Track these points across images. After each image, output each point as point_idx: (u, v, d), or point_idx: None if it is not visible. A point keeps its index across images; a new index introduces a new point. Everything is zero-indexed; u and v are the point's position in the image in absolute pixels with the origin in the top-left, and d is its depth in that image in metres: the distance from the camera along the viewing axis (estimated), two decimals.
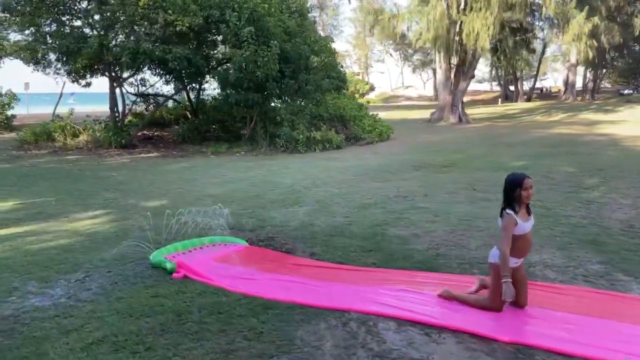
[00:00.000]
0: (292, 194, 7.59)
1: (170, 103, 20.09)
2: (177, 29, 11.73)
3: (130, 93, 18.56)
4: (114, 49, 12.37)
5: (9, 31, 21.80)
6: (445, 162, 10.64)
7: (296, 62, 13.54)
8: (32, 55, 16.13)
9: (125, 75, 16.77)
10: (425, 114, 30.06)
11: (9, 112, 19.27)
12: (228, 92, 14.16)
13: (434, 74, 66.48)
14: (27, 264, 4.51)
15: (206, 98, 19.08)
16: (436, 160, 10.90)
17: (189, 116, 19.43)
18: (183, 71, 13.30)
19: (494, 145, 14.20)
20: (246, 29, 11.89)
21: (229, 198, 7.46)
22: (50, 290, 3.85)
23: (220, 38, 14.11)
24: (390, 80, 78.33)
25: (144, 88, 19.84)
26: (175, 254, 4.51)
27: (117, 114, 15.16)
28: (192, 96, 18.85)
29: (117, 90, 16.01)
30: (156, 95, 19.77)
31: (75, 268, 4.36)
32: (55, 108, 23.55)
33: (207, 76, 15.55)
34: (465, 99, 28.56)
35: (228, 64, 14.48)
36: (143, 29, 11.76)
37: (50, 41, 13.39)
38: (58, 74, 16.27)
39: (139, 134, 16.39)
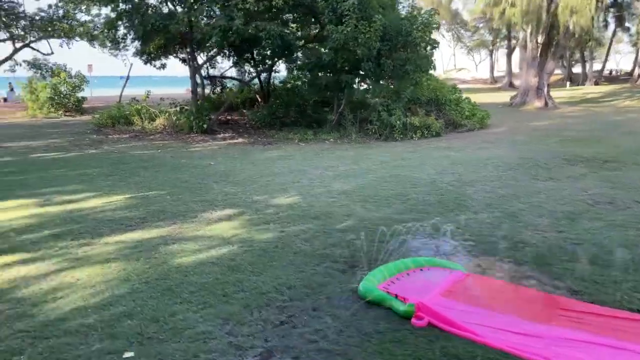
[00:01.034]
0: (445, 194, 6.35)
1: (229, 85, 19.27)
2: (273, 2, 10.58)
3: (212, 76, 17.85)
4: (204, 27, 11.34)
5: (77, 11, 21.63)
6: (597, 154, 9.05)
7: (394, 39, 12.13)
8: (108, 36, 15.58)
9: (204, 55, 15.98)
10: (493, 97, 27.89)
11: (79, 95, 18.95)
12: (317, 73, 12.99)
13: (490, 55, 63.15)
14: (194, 288, 3.52)
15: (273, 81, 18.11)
16: (585, 152, 9.29)
17: (259, 100, 18.52)
18: (270, 51, 12.14)
19: (629, 134, 12.34)
20: (349, 2, 10.58)
21: (369, 197, 6.31)
22: (254, 340, 2.82)
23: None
24: (442, 62, 75.11)
25: (213, 70, 19.14)
26: (386, 282, 3.40)
27: (198, 98, 14.31)
28: (259, 79, 17.94)
29: (183, 72, 15.23)
30: (232, 78, 18.94)
31: (262, 300, 3.32)
32: (122, 91, 23.32)
33: (289, 57, 14.32)
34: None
35: (315, 44, 13.28)
36: (235, 4, 10.64)
37: (131, 20, 12.55)
38: (125, 55, 15.61)
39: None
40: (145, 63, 16.78)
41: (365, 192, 6.59)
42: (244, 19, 10.77)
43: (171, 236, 4.83)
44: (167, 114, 15.10)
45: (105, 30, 14.20)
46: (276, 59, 14.37)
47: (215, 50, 16.66)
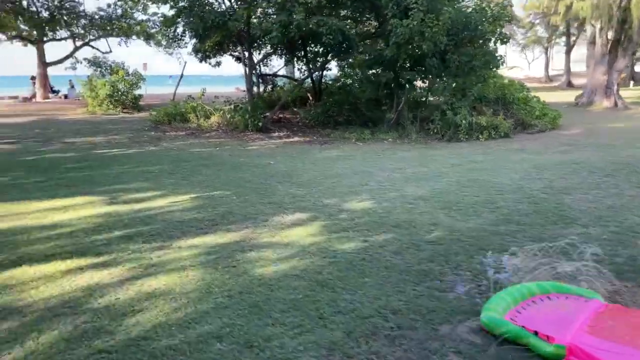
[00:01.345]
0: (539, 203, 5.66)
1: (279, 84, 19.05)
2: None
3: (264, 74, 17.72)
4: (262, 22, 11.05)
5: (134, 10, 22.14)
6: None
7: (460, 33, 11.40)
8: (167, 33, 15.70)
9: (257, 54, 15.81)
10: (553, 96, 26.18)
11: (136, 92, 19.32)
12: (375, 70, 12.46)
13: (545, 52, 60.05)
14: (284, 306, 3.11)
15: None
16: None
17: (310, 99, 18.20)
18: (328, 47, 11.71)
19: None
20: None
21: (451, 203, 5.73)
22: None
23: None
24: None
25: (264, 68, 19.00)
26: (512, 312, 2.85)
27: (253, 96, 14.12)
28: (312, 77, 17.60)
29: (236, 68, 15.09)
30: (285, 76, 18.77)
31: (366, 326, 2.85)
32: (176, 89, 23.68)
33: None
34: (579, 79, 24.27)
35: (373, 40, 12.73)
36: None
37: (190, 16, 12.47)
38: (180, 53, 15.68)
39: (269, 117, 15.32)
40: (201, 61, 16.84)
41: (445, 198, 6.01)
42: (304, 14, 10.39)
43: (246, 242, 4.47)
44: (221, 111, 15.04)
45: (164, 28, 14.24)
46: (331, 57, 13.91)
47: (269, 47, 16.52)
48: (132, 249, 4.31)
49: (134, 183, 7.12)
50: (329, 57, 13.57)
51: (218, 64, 16.62)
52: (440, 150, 10.31)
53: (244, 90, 29.65)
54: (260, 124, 13.25)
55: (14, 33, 20.33)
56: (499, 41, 11.99)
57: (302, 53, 17.50)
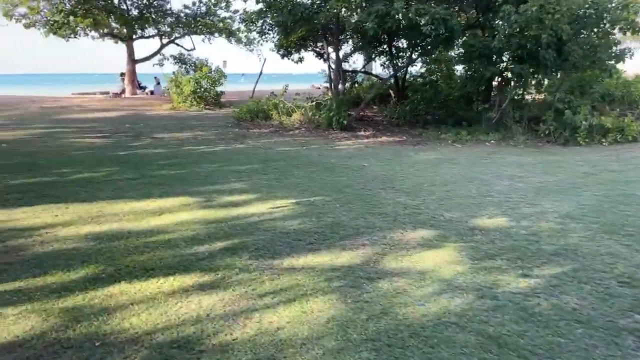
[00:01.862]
0: None
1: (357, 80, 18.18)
2: None
3: (346, 70, 17.02)
4: (354, 14, 10.25)
5: (217, 8, 22.35)
6: None
7: (580, 21, 9.84)
8: (254, 27, 15.44)
9: (340, 48, 15.07)
10: None
11: (219, 89, 19.43)
12: (474, 64, 11.22)
13: None
14: None
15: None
16: None
17: (392, 96, 17.18)
18: (428, 39, 10.63)
19: None
20: None
21: (615, 226, 4.56)
22: None
23: None
24: None
25: (344, 64, 18.26)
26: None
27: (338, 93, 13.41)
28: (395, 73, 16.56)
29: (320, 64, 14.42)
30: (368, 73, 17.98)
31: None
32: (255, 86, 23.71)
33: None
34: None
35: (474, 30, 11.47)
36: None
37: (280, 10, 11.96)
38: (260, 50, 15.30)
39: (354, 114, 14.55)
40: (283, 57, 16.45)
41: (602, 218, 4.84)
42: (403, 1, 9.45)
43: (369, 266, 3.69)
44: (303, 109, 14.52)
45: (249, 23, 13.94)
46: (422, 51, 12.84)
47: (353, 42, 15.77)
48: (239, 266, 3.69)
49: (226, 183, 6.63)
50: (427, 49, 12.43)
51: (300, 59, 16.12)
52: (560, 156, 8.91)
53: (319, 88, 29.21)
54: (345, 122, 12.50)
55: (106, 31, 21.33)
56: (628, 31, 10.24)
57: (387, 48, 16.63)
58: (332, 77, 13.73)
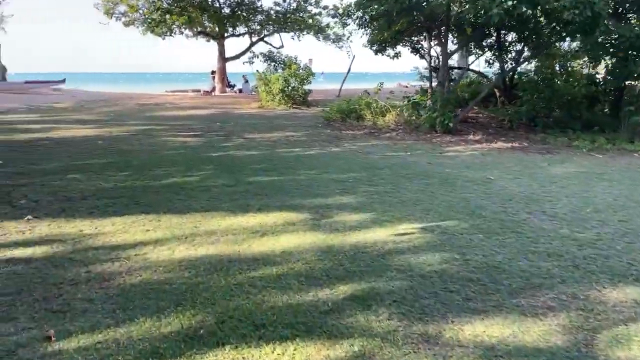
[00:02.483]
0: None
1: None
2: None
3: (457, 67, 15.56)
4: (478, 4, 8.77)
5: (307, 4, 21.73)
6: None
7: None
8: (344, 23, 14.51)
9: (434, 43, 13.61)
10: None
11: (306, 87, 18.77)
12: (618, 57, 9.23)
13: None
14: None
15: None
16: None
17: (497, 95, 15.29)
18: (570, 26, 8.82)
19: None
20: None
21: None
22: None
23: None
24: None
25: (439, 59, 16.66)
26: None
27: (444, 91, 11.99)
28: (502, 70, 14.67)
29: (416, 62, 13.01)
30: (472, 70, 16.31)
31: None
32: (342, 85, 22.83)
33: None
34: None
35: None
36: None
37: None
38: (349, 47, 14.25)
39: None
40: (377, 53, 15.33)
41: None
42: None
43: (582, 352, 2.44)
44: (398, 109, 13.28)
45: (347, 15, 12.97)
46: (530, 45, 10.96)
47: (453, 34, 14.19)
48: (379, 331, 2.63)
49: (331, 196, 5.65)
50: (541, 42, 10.61)
51: (397, 55, 14.88)
52: None
53: (406, 86, 27.60)
54: (450, 124, 11.06)
55: (199, 29, 21.64)
56: None
57: (493, 42, 14.84)
58: (435, 74, 12.30)
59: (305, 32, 22.43)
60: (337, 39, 22.48)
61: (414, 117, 12.92)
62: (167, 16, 18.27)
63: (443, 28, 11.57)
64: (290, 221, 4.65)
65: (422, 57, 16.64)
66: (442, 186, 6.28)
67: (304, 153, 8.77)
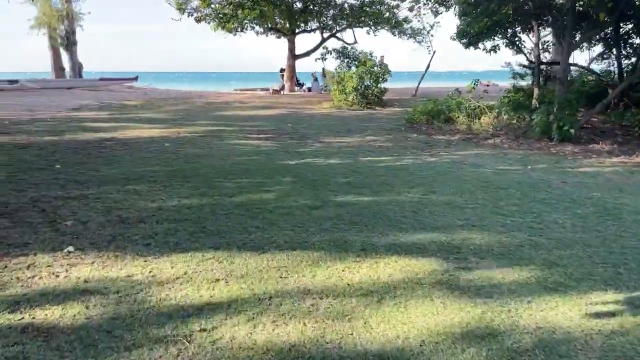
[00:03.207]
0: None
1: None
2: None
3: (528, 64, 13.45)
4: None
5: None
6: None
7: None
8: (437, 12, 12.84)
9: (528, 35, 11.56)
10: None
11: (382, 86, 17.24)
12: None
13: None
14: None
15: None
16: None
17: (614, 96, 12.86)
18: None
19: None
20: None
21: None
22: None
23: None
24: None
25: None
26: None
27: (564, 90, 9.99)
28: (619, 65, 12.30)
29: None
30: (585, 68, 14.04)
31: None
32: (419, 83, 21.06)
33: None
34: None
35: None
36: None
37: None
38: (429, 42, 12.52)
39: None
40: (467, 46, 13.52)
41: None
42: None
43: None
44: (495, 110, 11.42)
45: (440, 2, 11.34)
46: None
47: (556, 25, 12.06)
48: None
49: (454, 230, 4.17)
50: None
51: (494, 48, 12.99)
52: None
53: (487, 85, 25.10)
54: (571, 130, 9.07)
55: (269, 25, 20.79)
56: None
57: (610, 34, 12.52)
58: (561, 69, 10.31)
59: (380, 27, 20.85)
60: (415, 34, 20.71)
61: (514, 121, 11.04)
62: (239, 11, 17.51)
63: (565, 16, 9.57)
64: (414, 275, 3.24)
65: (518, 51, 14.59)
66: (605, 220, 4.58)
67: (394, 163, 7.31)
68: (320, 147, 8.83)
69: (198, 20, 18.66)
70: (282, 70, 22.67)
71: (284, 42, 21.93)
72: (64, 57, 22.47)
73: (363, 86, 16.78)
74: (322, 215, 4.53)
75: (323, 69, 24.10)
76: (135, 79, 23.28)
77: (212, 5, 18.11)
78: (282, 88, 21.13)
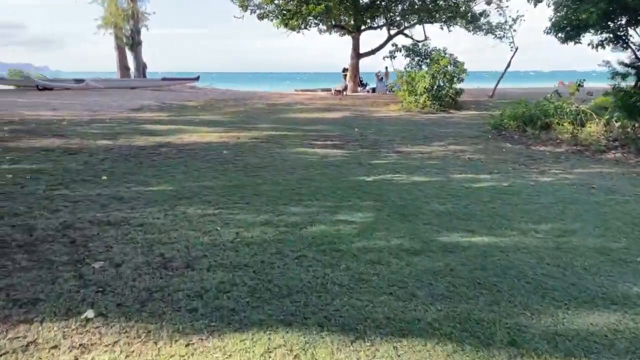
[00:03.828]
0: None
1: None
2: None
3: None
4: None
5: None
6: None
7: None
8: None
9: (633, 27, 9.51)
10: None
11: (458, 86, 15.58)
12: None
13: None
14: None
15: None
16: None
17: None
18: None
19: None
20: None
21: None
22: None
23: None
24: None
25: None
26: None
27: None
28: None
29: None
30: None
31: None
32: (497, 84, 19.09)
33: None
34: None
35: None
36: None
37: None
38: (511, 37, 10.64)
39: None
40: (564, 41, 11.66)
41: None
42: None
43: None
44: (606, 117, 9.54)
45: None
46: None
47: None
48: None
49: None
50: None
51: (601, 43, 11.03)
52: None
53: (569, 85, 22.37)
54: None
55: (333, 22, 19.68)
56: None
57: None
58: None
59: (454, 23, 19.09)
60: (492, 29, 18.75)
61: (629, 129, 9.13)
62: (303, 7, 16.53)
63: None
64: None
65: (624, 47, 12.45)
66: None
67: (499, 184, 5.87)
68: (398, 158, 7.55)
69: (261, 17, 17.93)
70: (344, 69, 21.50)
71: (346, 40, 20.78)
72: (129, 57, 22.68)
73: (436, 87, 15.24)
74: (427, 267, 3.28)
75: (386, 67, 22.70)
76: (197, 79, 23.08)
77: (276, 2, 17.28)
78: (345, 89, 19.92)
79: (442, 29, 19.20)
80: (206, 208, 4.51)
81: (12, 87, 20.39)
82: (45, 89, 18.95)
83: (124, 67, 22.80)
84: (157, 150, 7.57)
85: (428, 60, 16.33)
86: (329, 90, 21.38)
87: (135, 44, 22.22)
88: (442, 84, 15.29)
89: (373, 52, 20.27)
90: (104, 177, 5.66)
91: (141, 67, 22.63)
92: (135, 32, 22.11)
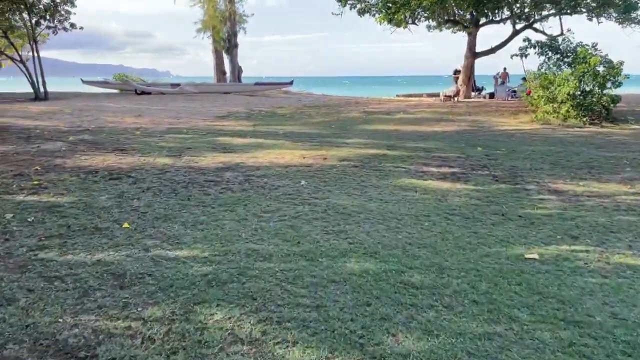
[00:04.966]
0: None
1: None
2: None
3: None
4: None
5: None
6: None
7: None
8: None
9: None
10: None
11: (612, 92, 11.97)
12: None
13: None
14: None
15: None
16: None
17: None
18: None
19: None
20: None
21: None
22: None
23: None
24: None
25: None
26: None
27: None
28: None
29: None
30: None
31: None
32: None
33: None
34: None
35: None
36: None
37: None
38: None
39: None
40: None
41: None
42: None
43: None
44: None
45: None
46: None
47: None
48: None
49: None
50: None
51: None
52: None
53: None
54: None
55: (445, 17, 16.91)
56: None
57: None
58: None
59: (604, 13, 15.16)
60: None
61: None
62: None
63: None
64: None
65: None
66: None
67: None
68: (560, 202, 4.93)
69: (361, 12, 15.87)
70: (456, 72, 18.58)
71: (459, 38, 17.84)
72: (226, 60, 22.15)
73: (583, 93, 11.84)
74: None
75: (504, 68, 19.30)
76: (291, 83, 21.78)
77: None
78: (457, 94, 16.93)
79: (590, 20, 15.33)
80: (242, 322, 2.49)
81: (116, 91, 20.94)
82: (143, 93, 18.98)
83: (220, 71, 22.32)
84: (219, 176, 5.83)
85: (569, 60, 12.87)
86: (436, 95, 18.54)
87: (231, 47, 21.57)
88: (591, 89, 11.83)
89: (493, 50, 17.06)
90: (126, 225, 3.97)
91: (236, 71, 21.93)
92: (232, 34, 21.44)
